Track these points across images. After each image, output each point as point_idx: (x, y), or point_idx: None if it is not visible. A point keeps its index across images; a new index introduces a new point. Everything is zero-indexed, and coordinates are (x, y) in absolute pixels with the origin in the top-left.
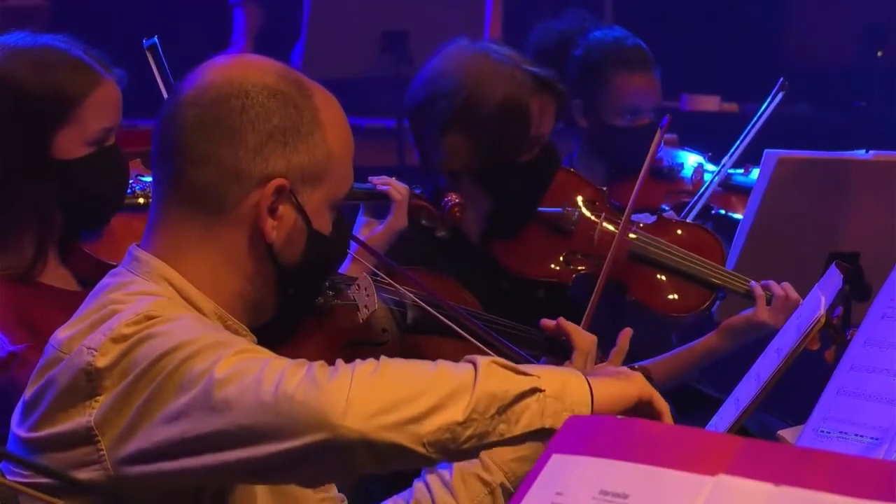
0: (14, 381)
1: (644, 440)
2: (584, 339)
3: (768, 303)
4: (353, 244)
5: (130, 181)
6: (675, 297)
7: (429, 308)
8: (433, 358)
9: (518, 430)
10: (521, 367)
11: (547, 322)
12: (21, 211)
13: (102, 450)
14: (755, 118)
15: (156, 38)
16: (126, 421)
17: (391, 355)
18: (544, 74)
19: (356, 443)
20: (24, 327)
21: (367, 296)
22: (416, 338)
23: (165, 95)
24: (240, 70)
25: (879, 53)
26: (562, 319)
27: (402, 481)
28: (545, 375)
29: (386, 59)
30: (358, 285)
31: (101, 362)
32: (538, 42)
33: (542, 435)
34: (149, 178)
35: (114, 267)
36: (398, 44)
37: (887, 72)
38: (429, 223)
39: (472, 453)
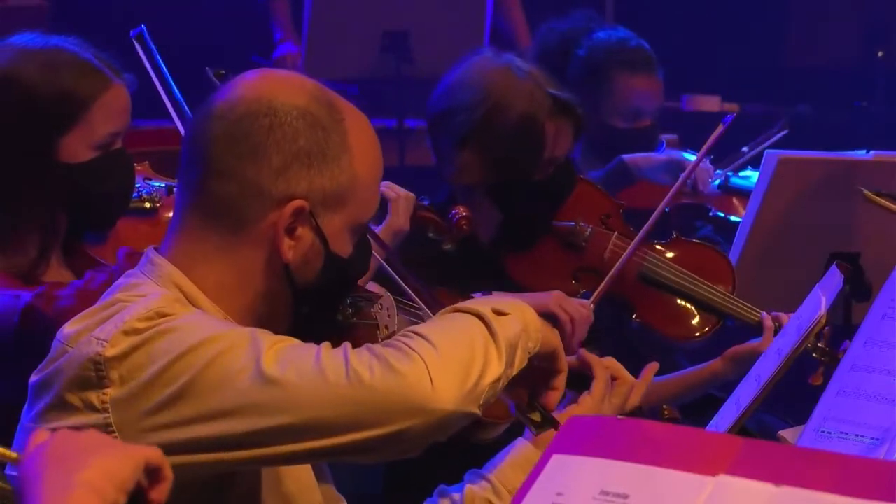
0: (49, 319)
1: (644, 440)
2: (602, 370)
3: (776, 333)
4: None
5: (137, 185)
6: (682, 321)
7: None
8: None
9: (515, 370)
10: (500, 307)
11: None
12: (25, 212)
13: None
14: (751, 151)
15: (143, 27)
16: (146, 416)
17: None
18: (564, 98)
19: (446, 419)
20: None
21: (389, 316)
22: None
23: (157, 85)
24: (271, 87)
25: (880, 54)
26: (582, 350)
27: (402, 480)
28: (515, 311)
29: (386, 59)
30: (381, 304)
31: (111, 352)
32: (542, 42)
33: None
34: (157, 183)
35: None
36: (399, 44)
37: (888, 72)
38: (436, 236)
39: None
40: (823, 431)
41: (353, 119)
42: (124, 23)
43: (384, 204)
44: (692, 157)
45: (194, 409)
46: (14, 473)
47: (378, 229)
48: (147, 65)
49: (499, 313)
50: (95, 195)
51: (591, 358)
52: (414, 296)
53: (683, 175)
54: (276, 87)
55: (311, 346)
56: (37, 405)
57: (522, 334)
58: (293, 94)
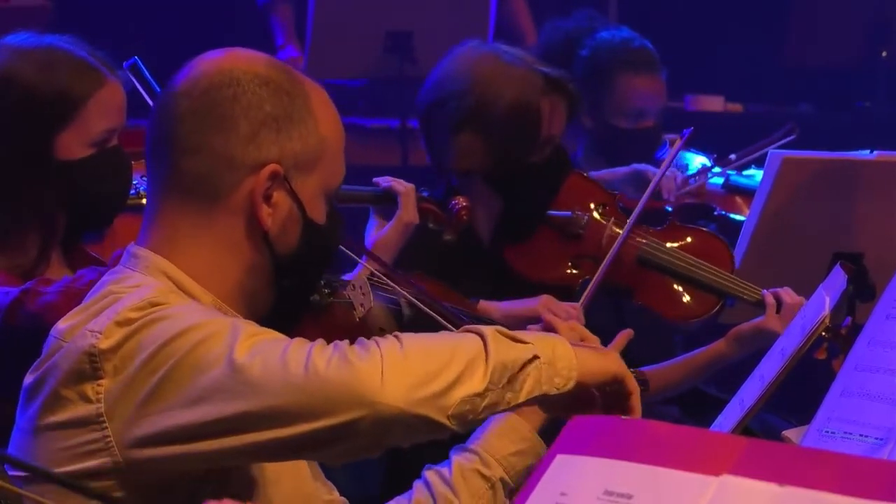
0: (33, 315)
1: (648, 440)
2: (567, 329)
3: (777, 311)
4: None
5: (134, 182)
6: (683, 302)
7: (423, 306)
8: None
9: (521, 397)
10: (517, 335)
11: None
12: (24, 211)
13: (110, 436)
14: (757, 152)
15: (136, 59)
16: (135, 405)
17: None
18: (555, 74)
19: (393, 417)
20: None
21: (363, 294)
22: None
23: None
24: (230, 60)
25: (883, 54)
26: (548, 316)
27: (402, 480)
28: (538, 342)
29: (390, 60)
30: (353, 284)
31: (105, 344)
32: (545, 41)
33: (537, 401)
34: None
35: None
36: (402, 44)
37: (891, 72)
38: (436, 226)
39: (480, 422)
40: (827, 431)
41: (311, 85)
42: (126, 23)
43: (393, 198)
44: (692, 157)
45: (175, 396)
46: (17, 473)
47: (390, 224)
48: (144, 94)
49: (512, 339)
50: (92, 192)
51: (555, 321)
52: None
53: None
54: (235, 59)
55: (285, 340)
56: (32, 405)
57: (538, 364)
58: (252, 63)
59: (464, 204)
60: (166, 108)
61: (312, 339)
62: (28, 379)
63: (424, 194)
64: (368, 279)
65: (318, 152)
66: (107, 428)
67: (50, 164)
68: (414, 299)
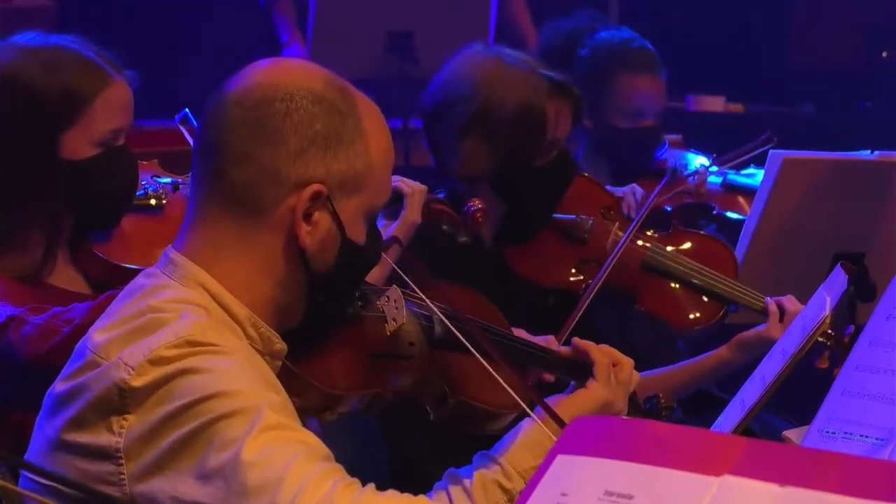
0: (11, 342)
1: (649, 441)
2: (600, 353)
3: (780, 319)
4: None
5: (143, 182)
6: (686, 308)
7: (453, 329)
8: (457, 375)
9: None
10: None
11: (562, 349)
12: (30, 211)
13: (124, 474)
14: (733, 155)
15: (186, 111)
16: (152, 456)
17: (415, 370)
18: (559, 78)
19: None
20: None
21: (396, 308)
22: (441, 354)
23: None
24: (285, 74)
25: (884, 54)
26: (576, 339)
27: (409, 479)
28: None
29: (391, 60)
30: (387, 297)
31: (137, 382)
32: (546, 41)
33: None
34: (165, 179)
35: (124, 269)
36: (403, 44)
37: (892, 72)
38: (450, 228)
39: None
40: (828, 432)
41: (365, 105)
42: (131, 23)
43: (400, 199)
44: (693, 157)
45: (188, 464)
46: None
47: (394, 224)
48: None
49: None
50: (97, 192)
51: (587, 345)
52: (416, 289)
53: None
54: (291, 73)
55: (297, 447)
56: (59, 416)
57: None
58: (307, 79)
59: (479, 206)
60: (217, 114)
61: (343, 352)
62: (60, 387)
63: (440, 196)
64: (403, 292)
65: (365, 175)
66: (122, 465)
67: (56, 163)
68: (446, 320)
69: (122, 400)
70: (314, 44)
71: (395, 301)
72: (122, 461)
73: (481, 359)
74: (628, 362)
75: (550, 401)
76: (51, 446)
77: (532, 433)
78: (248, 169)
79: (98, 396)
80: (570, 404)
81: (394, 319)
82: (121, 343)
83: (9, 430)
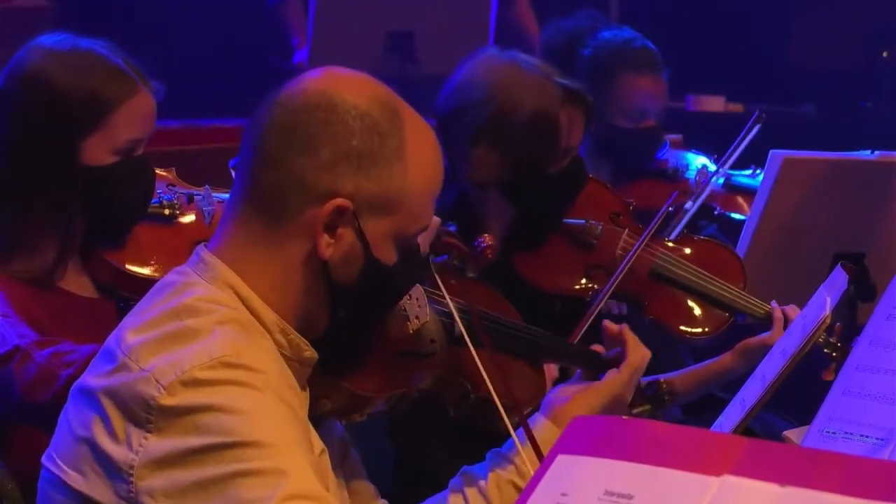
0: (12, 374)
1: (649, 441)
2: (638, 354)
3: (785, 326)
4: None
5: (158, 191)
6: (694, 317)
7: (476, 324)
8: (477, 370)
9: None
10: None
11: (610, 326)
12: (44, 214)
13: (133, 492)
14: (729, 151)
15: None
16: (165, 482)
17: (437, 367)
18: (574, 86)
19: None
20: (35, 331)
21: (419, 307)
22: (461, 350)
23: None
24: (336, 84)
25: (885, 54)
26: (626, 328)
27: (416, 481)
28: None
29: (391, 60)
30: (409, 295)
31: (166, 401)
32: (547, 41)
33: None
34: (180, 191)
35: (134, 276)
36: (403, 44)
37: (892, 72)
38: (459, 263)
39: None
40: (828, 432)
41: (415, 128)
42: (129, 23)
43: None
44: (693, 157)
45: None
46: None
47: None
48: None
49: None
50: (112, 200)
51: (627, 340)
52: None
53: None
54: (341, 85)
55: None
56: (87, 412)
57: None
58: (357, 93)
59: (490, 243)
60: (262, 114)
61: (366, 352)
62: (91, 382)
63: (452, 229)
64: (426, 290)
65: (399, 198)
66: (133, 483)
67: (74, 168)
68: (464, 313)
69: (147, 415)
70: (314, 44)
71: (417, 299)
72: (132, 480)
73: (513, 354)
74: (645, 361)
75: (564, 391)
76: (76, 441)
77: (544, 431)
78: (276, 173)
79: (124, 404)
80: (581, 402)
81: (417, 318)
82: (153, 349)
83: (14, 439)
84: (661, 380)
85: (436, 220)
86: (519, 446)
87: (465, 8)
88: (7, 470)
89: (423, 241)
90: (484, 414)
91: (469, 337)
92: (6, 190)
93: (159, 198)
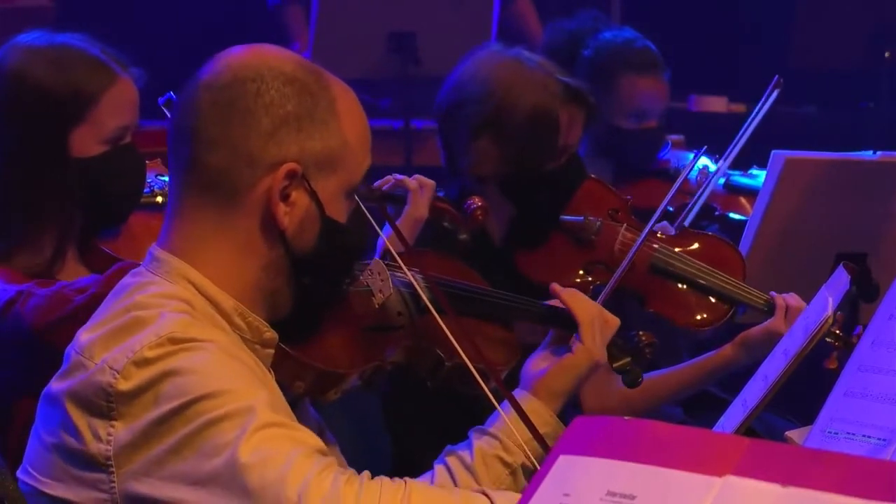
0: (20, 313)
1: (651, 441)
2: (584, 309)
3: (785, 314)
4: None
5: (149, 180)
6: (695, 310)
7: (434, 290)
8: (446, 338)
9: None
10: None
11: (554, 288)
12: (41, 209)
13: (114, 481)
14: (751, 117)
15: (171, 94)
16: (142, 461)
17: (407, 338)
18: (575, 85)
19: None
20: None
21: (382, 280)
22: (431, 319)
23: None
24: (257, 56)
25: (886, 54)
26: (558, 288)
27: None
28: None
29: (393, 60)
30: (370, 270)
31: (123, 386)
32: (549, 41)
33: None
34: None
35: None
36: (405, 44)
37: (894, 73)
38: (451, 226)
39: None
40: (830, 432)
41: (339, 87)
42: (129, 23)
43: (404, 199)
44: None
45: (179, 469)
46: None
47: (398, 220)
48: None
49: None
50: (106, 189)
51: (570, 301)
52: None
53: (682, 175)
54: (262, 56)
55: (293, 445)
56: (52, 419)
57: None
58: (279, 61)
59: (479, 204)
60: (189, 99)
61: (336, 332)
62: (51, 389)
63: (440, 194)
64: (386, 264)
65: (341, 152)
66: (113, 473)
67: (65, 161)
68: (425, 282)
69: (108, 405)
70: (316, 44)
71: (378, 274)
72: (112, 469)
73: (480, 319)
74: (614, 322)
75: (539, 362)
76: (43, 447)
77: (527, 404)
78: (221, 152)
79: (85, 400)
80: (558, 374)
81: (380, 292)
82: (104, 343)
83: (14, 427)
84: (640, 332)
85: (432, 183)
86: (505, 418)
87: (468, 8)
88: (8, 469)
89: (415, 202)
90: (461, 381)
91: (432, 304)
92: (2, 189)
93: (150, 186)
